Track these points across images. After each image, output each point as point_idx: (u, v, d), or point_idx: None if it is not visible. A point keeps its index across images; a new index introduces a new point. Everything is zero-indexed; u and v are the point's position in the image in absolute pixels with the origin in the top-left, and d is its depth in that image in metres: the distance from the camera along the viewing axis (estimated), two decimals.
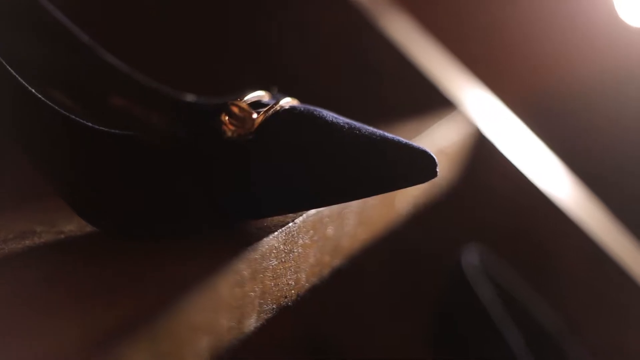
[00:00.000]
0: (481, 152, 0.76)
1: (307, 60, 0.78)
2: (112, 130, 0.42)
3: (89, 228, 0.44)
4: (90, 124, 0.42)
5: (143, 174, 0.41)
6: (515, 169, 0.76)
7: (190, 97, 0.49)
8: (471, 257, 0.67)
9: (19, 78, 0.42)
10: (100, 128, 0.42)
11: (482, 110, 0.79)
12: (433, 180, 0.63)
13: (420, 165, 0.41)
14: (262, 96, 0.45)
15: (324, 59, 0.78)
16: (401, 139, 0.42)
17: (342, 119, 0.42)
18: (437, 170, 0.42)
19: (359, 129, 0.42)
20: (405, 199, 0.60)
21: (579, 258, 0.76)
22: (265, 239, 0.40)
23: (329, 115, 0.42)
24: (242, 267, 0.37)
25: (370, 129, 0.42)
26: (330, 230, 0.46)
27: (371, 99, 0.77)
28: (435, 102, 0.76)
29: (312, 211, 0.44)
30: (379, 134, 0.42)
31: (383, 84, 0.77)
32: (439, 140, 0.67)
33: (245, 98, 0.43)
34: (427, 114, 0.74)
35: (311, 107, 0.43)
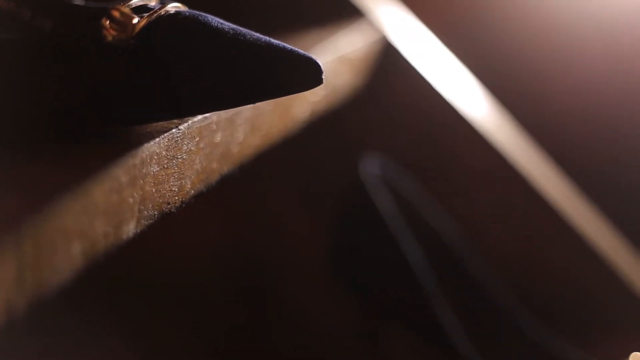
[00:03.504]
0: (387, 60, 0.76)
1: None
2: None
3: None
4: None
5: (26, 78, 0.41)
6: (422, 78, 0.76)
7: (77, 1, 0.48)
8: (371, 166, 0.67)
9: None
10: None
11: (391, 19, 0.78)
12: (334, 86, 0.63)
13: (305, 72, 0.42)
14: (149, 0, 0.44)
15: None
16: (287, 45, 0.42)
17: (227, 25, 0.42)
18: (323, 77, 0.42)
19: (244, 35, 0.42)
20: (304, 106, 0.60)
21: (484, 170, 0.77)
22: (145, 144, 0.39)
23: (215, 20, 0.42)
24: (120, 172, 0.37)
25: (257, 35, 0.42)
26: (218, 137, 0.46)
27: (275, 7, 0.77)
28: (342, 11, 0.76)
29: (199, 117, 0.44)
30: (264, 40, 0.42)
31: None
32: (342, 47, 0.66)
33: (130, 2, 0.42)
34: (333, 22, 0.73)
35: (197, 12, 0.43)
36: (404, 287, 0.63)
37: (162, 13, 0.41)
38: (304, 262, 0.79)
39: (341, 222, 0.67)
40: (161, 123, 0.42)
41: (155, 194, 0.40)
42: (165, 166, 0.41)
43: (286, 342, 0.80)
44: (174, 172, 0.42)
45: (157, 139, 0.40)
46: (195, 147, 0.44)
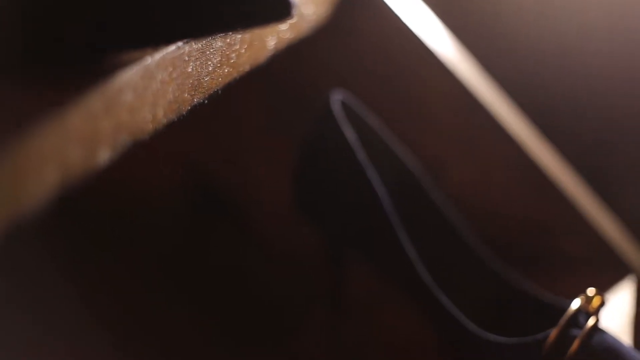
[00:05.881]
0: None
1: None
2: None
3: None
4: None
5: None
6: (389, 11, 0.76)
7: None
8: (337, 98, 0.67)
9: None
10: None
11: None
12: (301, 15, 0.63)
13: (276, 4, 0.42)
14: None
15: None
16: None
17: None
18: (294, 10, 0.42)
19: None
20: (271, 34, 0.60)
21: (448, 107, 0.77)
22: (121, 73, 0.40)
23: None
24: (96, 99, 0.37)
25: None
26: (190, 67, 0.47)
27: None
28: None
29: (172, 47, 0.44)
30: None
31: None
32: None
33: None
34: None
35: None
36: (368, 217, 0.64)
37: None
38: (269, 191, 0.80)
39: (307, 151, 0.68)
40: (135, 53, 0.42)
41: (130, 122, 0.41)
42: (140, 95, 0.41)
43: (250, 269, 0.82)
44: (148, 102, 0.42)
45: (133, 68, 0.40)
46: (169, 77, 0.44)
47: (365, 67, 0.78)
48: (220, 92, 0.52)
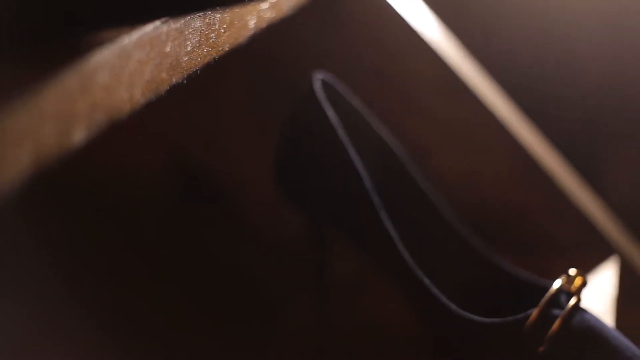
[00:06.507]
0: None
1: None
2: None
3: None
4: None
5: None
6: None
7: None
8: (319, 79, 0.67)
9: None
10: None
11: None
12: None
13: None
14: None
15: None
16: None
17: None
18: None
19: None
20: (254, 15, 0.59)
21: (433, 90, 0.77)
22: (96, 52, 0.39)
23: None
24: (71, 78, 0.37)
25: None
26: (168, 47, 0.46)
27: None
28: None
29: (150, 27, 0.44)
30: None
31: None
32: None
33: None
34: None
35: None
36: (349, 197, 0.63)
37: None
38: (252, 173, 0.80)
39: (288, 131, 0.67)
40: (112, 32, 0.42)
41: (106, 102, 0.40)
42: (116, 74, 0.41)
43: (233, 250, 0.81)
44: (125, 81, 0.42)
45: (109, 47, 0.40)
46: (146, 57, 0.44)
47: (349, 47, 0.77)
48: (199, 72, 0.52)
